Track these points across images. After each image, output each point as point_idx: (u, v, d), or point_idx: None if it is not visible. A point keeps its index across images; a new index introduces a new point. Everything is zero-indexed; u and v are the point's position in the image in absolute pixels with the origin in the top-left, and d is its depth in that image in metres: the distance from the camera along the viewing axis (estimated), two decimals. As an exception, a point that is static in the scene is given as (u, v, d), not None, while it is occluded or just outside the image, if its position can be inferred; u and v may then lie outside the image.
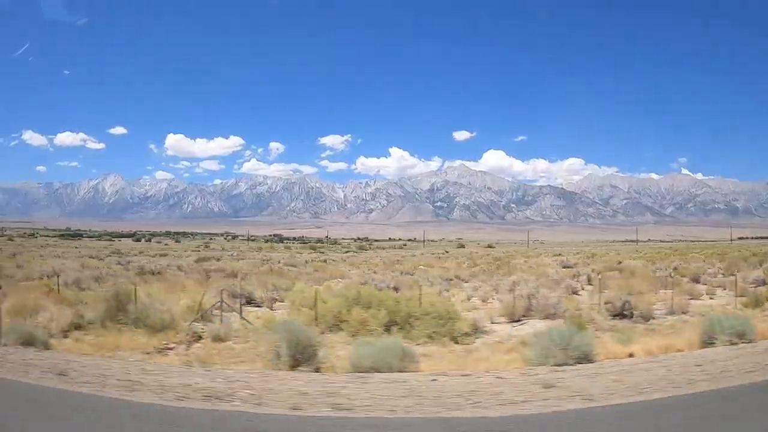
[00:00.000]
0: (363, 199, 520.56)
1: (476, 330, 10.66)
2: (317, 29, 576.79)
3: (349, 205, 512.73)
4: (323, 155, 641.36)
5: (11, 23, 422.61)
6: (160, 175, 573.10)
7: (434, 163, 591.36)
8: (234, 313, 11.86)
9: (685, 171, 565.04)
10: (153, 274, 23.52)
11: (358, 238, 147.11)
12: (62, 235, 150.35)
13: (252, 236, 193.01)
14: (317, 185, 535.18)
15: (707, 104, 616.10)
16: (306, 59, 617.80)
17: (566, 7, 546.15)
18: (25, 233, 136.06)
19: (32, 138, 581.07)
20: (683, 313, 13.43)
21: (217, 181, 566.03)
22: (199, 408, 4.98)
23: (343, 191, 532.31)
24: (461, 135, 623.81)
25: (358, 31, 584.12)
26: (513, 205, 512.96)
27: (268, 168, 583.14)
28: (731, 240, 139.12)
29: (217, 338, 9.35)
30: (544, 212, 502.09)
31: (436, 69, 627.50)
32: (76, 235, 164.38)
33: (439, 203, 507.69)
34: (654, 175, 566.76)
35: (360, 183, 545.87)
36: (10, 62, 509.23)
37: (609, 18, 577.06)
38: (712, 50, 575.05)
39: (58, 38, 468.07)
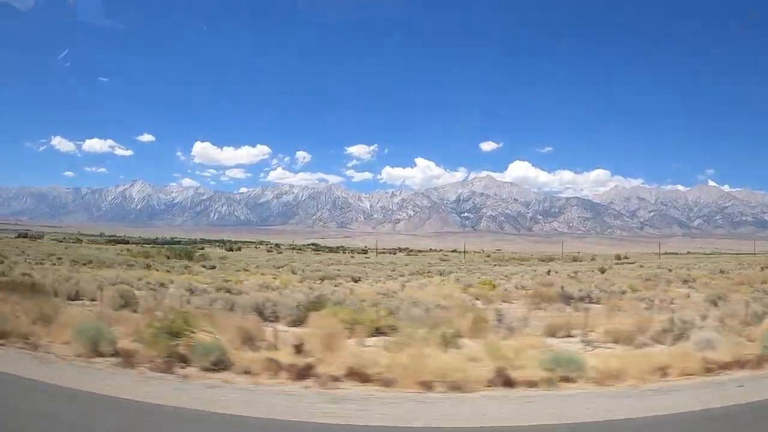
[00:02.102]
0: (389, 210, 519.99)
1: None
2: (345, 39, 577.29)
3: (375, 215, 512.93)
4: (349, 165, 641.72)
5: (47, 26, 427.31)
6: (186, 182, 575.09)
7: (460, 174, 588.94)
8: None
9: (712, 183, 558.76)
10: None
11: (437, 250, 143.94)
12: (134, 243, 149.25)
13: (292, 245, 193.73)
14: (343, 195, 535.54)
15: (734, 115, 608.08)
16: (334, 69, 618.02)
17: (589, 16, 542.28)
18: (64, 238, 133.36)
19: (61, 144, 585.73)
20: None
21: (243, 190, 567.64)
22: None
23: (369, 201, 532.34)
24: (488, 146, 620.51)
25: (385, 42, 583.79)
26: (540, 217, 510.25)
27: (293, 177, 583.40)
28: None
29: None
30: (571, 224, 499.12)
31: (463, 79, 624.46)
32: (121, 241, 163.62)
33: (465, 214, 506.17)
34: (680, 187, 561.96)
35: (386, 193, 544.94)
36: (46, 68, 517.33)
37: (635, 28, 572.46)
38: (739, 60, 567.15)
39: (93, 44, 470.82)
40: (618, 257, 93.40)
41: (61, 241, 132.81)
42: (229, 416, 5.44)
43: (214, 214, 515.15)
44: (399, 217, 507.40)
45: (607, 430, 5.26)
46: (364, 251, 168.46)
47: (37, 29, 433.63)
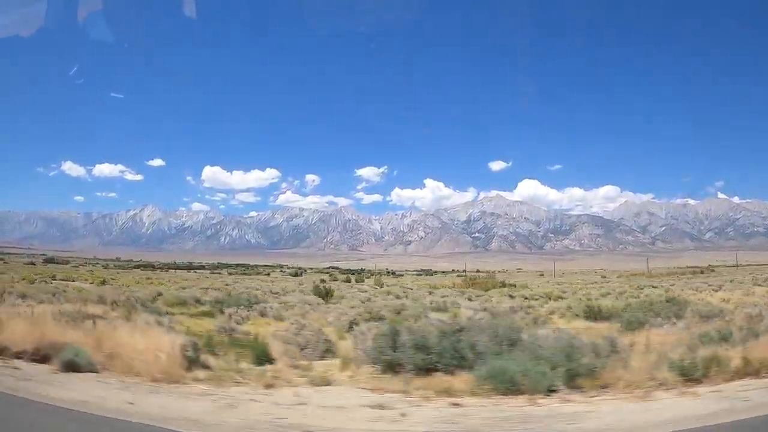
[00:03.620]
0: (400, 231, 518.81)
1: None
2: (353, 62, 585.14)
3: (386, 237, 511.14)
4: (359, 187, 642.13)
5: (57, 47, 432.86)
6: (196, 206, 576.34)
7: (469, 194, 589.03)
8: None
9: (721, 195, 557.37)
10: None
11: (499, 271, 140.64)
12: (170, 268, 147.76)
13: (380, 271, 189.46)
14: (353, 217, 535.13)
15: (739, 126, 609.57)
16: (342, 91, 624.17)
17: (601, 28, 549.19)
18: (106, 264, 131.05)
19: (71, 168, 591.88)
20: None
21: (253, 213, 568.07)
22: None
23: (380, 223, 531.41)
24: (497, 165, 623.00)
25: (391, 64, 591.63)
26: (551, 235, 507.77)
27: (303, 200, 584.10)
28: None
29: None
30: (582, 241, 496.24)
31: (471, 99, 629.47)
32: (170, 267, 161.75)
33: (476, 234, 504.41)
34: (690, 201, 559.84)
35: (396, 215, 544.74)
36: (57, 89, 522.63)
37: (642, 44, 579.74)
38: (741, 65, 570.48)
39: (103, 63, 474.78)
40: (702, 270, 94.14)
41: (134, 268, 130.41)
42: None
43: (225, 238, 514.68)
44: (410, 238, 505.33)
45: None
46: (393, 273, 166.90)
47: (46, 51, 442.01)
